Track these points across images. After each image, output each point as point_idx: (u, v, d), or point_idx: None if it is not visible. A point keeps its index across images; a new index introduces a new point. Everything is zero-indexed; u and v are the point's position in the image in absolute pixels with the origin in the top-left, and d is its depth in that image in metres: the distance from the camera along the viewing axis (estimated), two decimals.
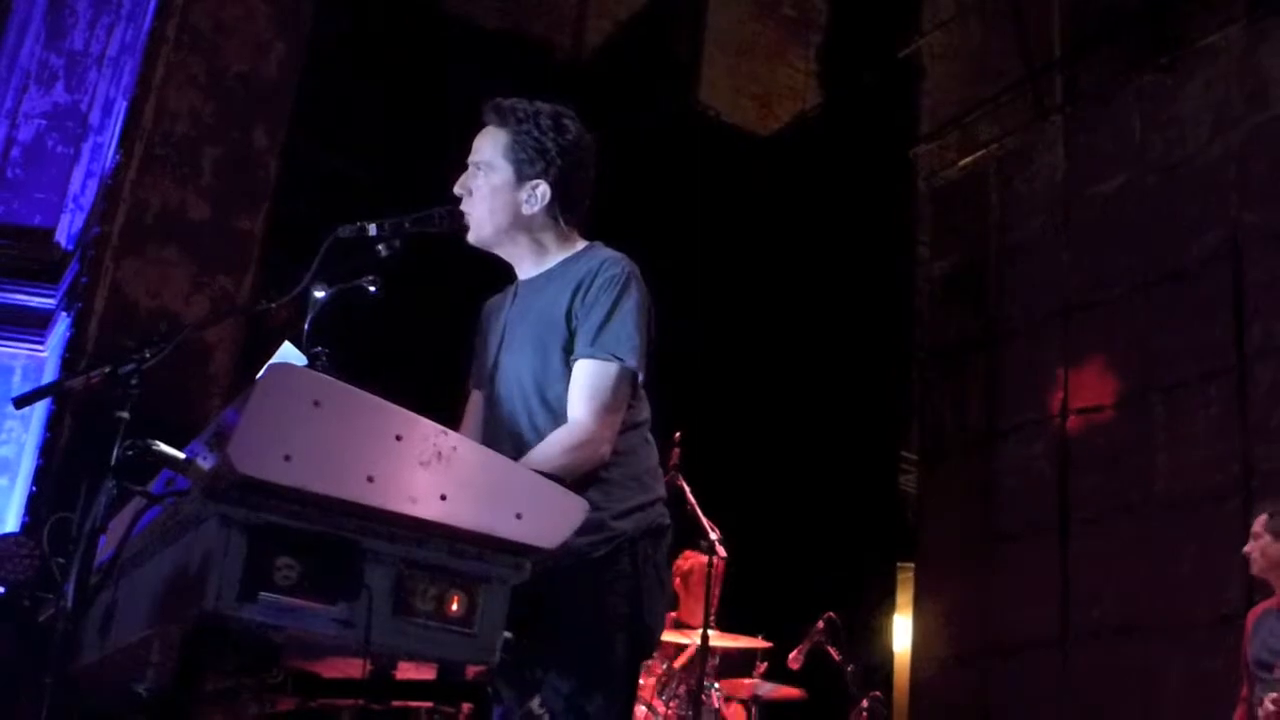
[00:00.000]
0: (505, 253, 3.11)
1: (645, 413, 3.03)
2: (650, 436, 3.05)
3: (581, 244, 3.09)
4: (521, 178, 3.00)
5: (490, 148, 3.03)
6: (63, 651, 2.24)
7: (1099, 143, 8.36)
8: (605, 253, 3.02)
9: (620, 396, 2.85)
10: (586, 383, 2.84)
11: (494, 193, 3.01)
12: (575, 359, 2.87)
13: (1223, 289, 7.26)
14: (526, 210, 3.02)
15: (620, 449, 2.88)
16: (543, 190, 3.01)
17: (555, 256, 3.07)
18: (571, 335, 2.89)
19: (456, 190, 3.04)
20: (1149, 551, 7.31)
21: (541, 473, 2.57)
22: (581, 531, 2.26)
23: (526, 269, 3.11)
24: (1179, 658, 6.95)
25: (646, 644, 2.94)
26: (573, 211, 3.08)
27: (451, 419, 3.10)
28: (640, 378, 2.91)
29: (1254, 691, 5.20)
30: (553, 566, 2.23)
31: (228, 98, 5.96)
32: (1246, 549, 5.34)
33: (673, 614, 6.11)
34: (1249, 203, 7.27)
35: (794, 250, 9.05)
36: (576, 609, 2.70)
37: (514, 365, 2.98)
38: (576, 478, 2.73)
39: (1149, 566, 7.27)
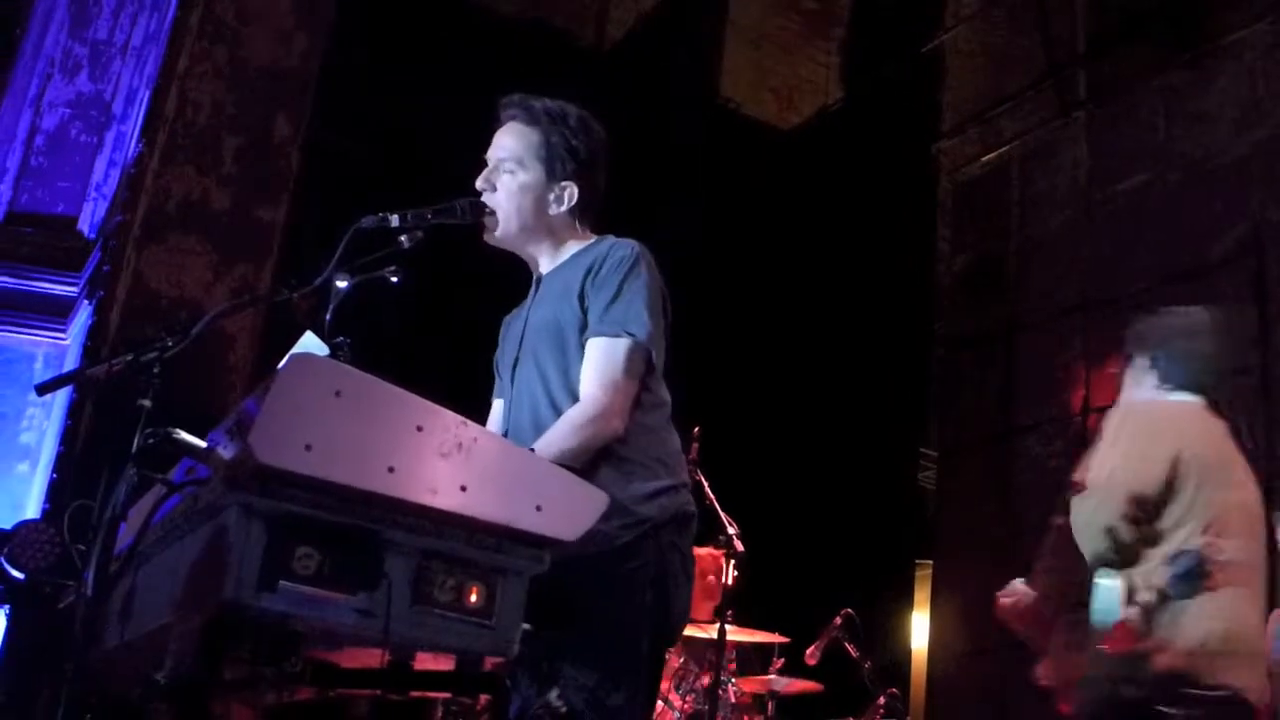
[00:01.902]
0: (523, 250, 3.13)
1: (665, 395, 3.03)
2: (670, 422, 3.05)
3: (594, 237, 3.12)
4: (551, 177, 3.04)
5: (520, 146, 3.04)
6: (83, 638, 2.25)
7: (1122, 139, 8.31)
8: (615, 239, 3.04)
9: (632, 371, 2.86)
10: (596, 359, 2.86)
11: (522, 191, 3.03)
12: (586, 338, 2.88)
13: (1246, 286, 7.21)
14: (553, 210, 3.05)
15: (642, 429, 2.88)
16: (571, 191, 3.05)
17: (570, 250, 3.09)
18: (585, 319, 2.90)
19: (480, 185, 3.06)
20: None
21: (557, 451, 2.60)
22: (604, 516, 2.26)
23: (543, 265, 3.13)
24: None
25: (669, 634, 2.93)
26: (590, 211, 3.12)
27: (472, 410, 3.11)
28: (654, 355, 2.91)
29: (1276, 693, 5.16)
30: (575, 554, 2.23)
31: (250, 88, 5.97)
32: None
33: None
34: (1273, 200, 7.21)
35: (814, 245, 9.03)
36: (598, 599, 2.69)
37: (534, 356, 2.99)
38: (593, 454, 2.75)
39: None
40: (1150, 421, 3.64)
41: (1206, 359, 3.80)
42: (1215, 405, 3.75)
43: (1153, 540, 3.46)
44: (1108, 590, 3.54)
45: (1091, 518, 3.49)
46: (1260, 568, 3.61)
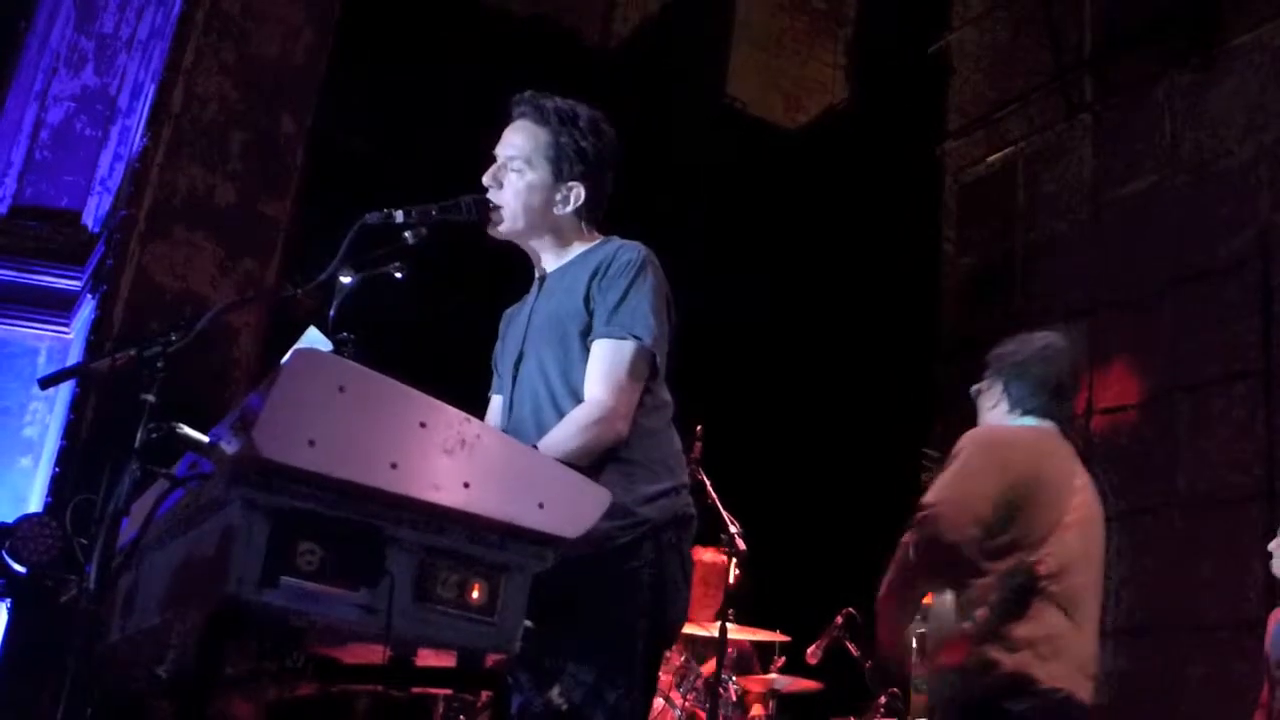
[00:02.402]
0: (528, 248, 3.13)
1: (667, 397, 3.03)
2: (672, 424, 3.05)
3: (600, 238, 3.11)
4: (559, 178, 3.03)
5: (528, 145, 3.04)
6: (85, 632, 2.24)
7: (1128, 141, 8.31)
8: (621, 241, 3.04)
9: (637, 374, 2.86)
10: (602, 361, 2.86)
11: (529, 190, 3.02)
12: (592, 339, 2.89)
13: (1252, 290, 7.21)
14: (558, 210, 3.05)
15: (643, 431, 2.88)
16: (578, 192, 3.04)
17: (575, 250, 3.09)
18: (590, 319, 2.90)
19: (486, 181, 3.05)
20: (1171, 552, 7.27)
21: (561, 452, 2.60)
22: (605, 516, 2.26)
23: (547, 262, 3.13)
24: (1200, 659, 6.92)
25: (668, 635, 2.94)
26: (596, 213, 3.11)
27: (476, 407, 3.11)
28: (659, 359, 2.91)
29: (1274, 694, 5.15)
30: (576, 554, 2.22)
31: (256, 83, 5.97)
32: (1271, 545, 5.29)
33: None
34: None
35: (819, 245, 9.02)
36: (598, 598, 2.69)
37: (537, 354, 2.99)
38: (596, 456, 2.75)
39: (1171, 567, 7.23)
40: (991, 447, 3.79)
41: (1056, 385, 3.92)
42: (1064, 428, 3.91)
43: (991, 557, 3.63)
44: (944, 604, 3.75)
45: (939, 538, 3.66)
46: (1093, 584, 3.80)
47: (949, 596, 3.72)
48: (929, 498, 3.68)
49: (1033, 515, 3.64)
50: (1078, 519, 3.74)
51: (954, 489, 3.68)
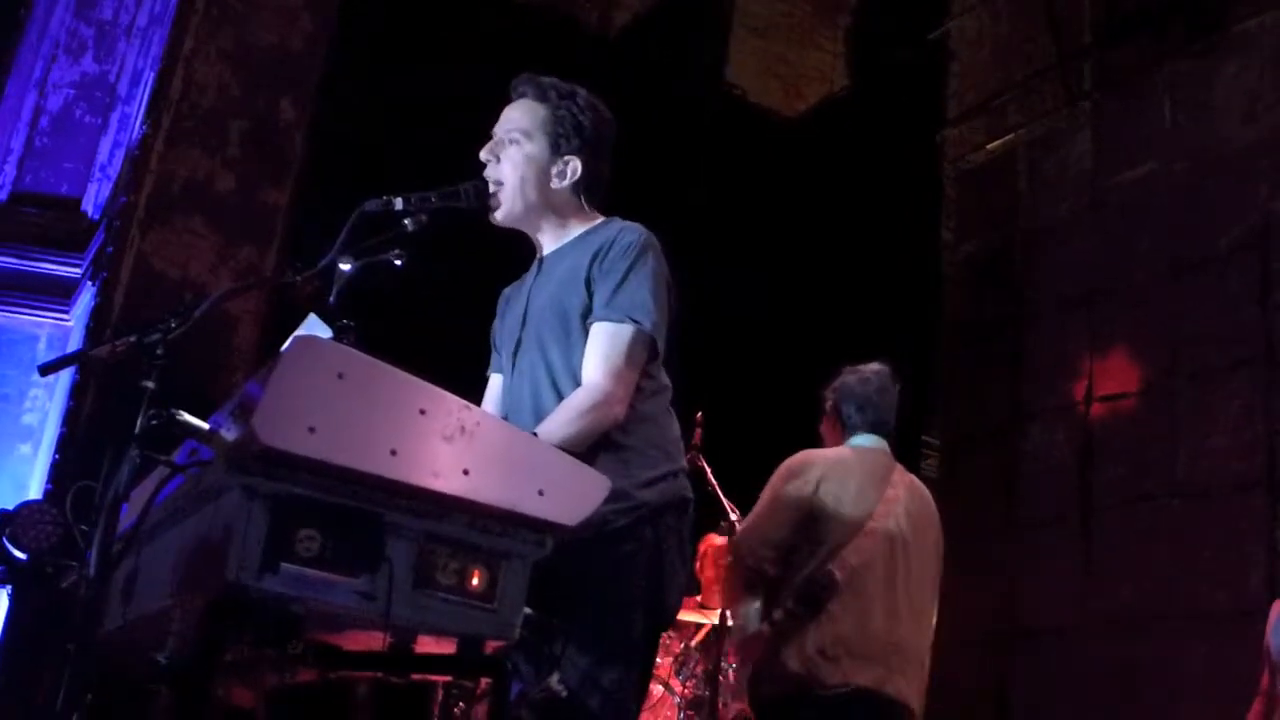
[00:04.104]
0: (529, 228, 3.12)
1: (666, 381, 3.03)
2: (671, 408, 3.05)
3: (600, 219, 3.11)
4: (556, 152, 3.03)
5: (526, 119, 3.04)
6: (85, 619, 2.25)
7: (1128, 128, 8.29)
8: (623, 223, 3.04)
9: (635, 358, 2.86)
10: (600, 344, 2.86)
11: (527, 162, 3.03)
12: (591, 322, 2.88)
13: (1251, 277, 7.20)
14: (556, 184, 3.04)
15: (641, 415, 2.89)
16: (574, 166, 3.04)
17: (575, 230, 3.08)
18: (590, 301, 2.90)
19: (484, 156, 3.05)
20: (1171, 540, 7.26)
21: (558, 437, 2.60)
22: (604, 500, 2.26)
23: (547, 244, 3.12)
24: (1200, 647, 6.92)
25: (665, 619, 2.95)
26: (594, 192, 3.11)
27: (476, 394, 3.11)
28: (659, 344, 2.91)
29: (1274, 683, 5.16)
30: (573, 538, 2.23)
31: (255, 70, 5.96)
32: None
33: (694, 598, 6.08)
34: None
35: (818, 232, 9.01)
36: (596, 582, 2.70)
37: (537, 336, 2.99)
38: (594, 439, 2.75)
39: (1171, 555, 7.23)
40: (785, 471, 4.23)
41: (878, 405, 4.46)
42: (891, 445, 4.43)
43: (791, 567, 4.06)
44: (751, 608, 4.19)
45: (738, 561, 4.18)
46: (910, 584, 4.23)
47: (758, 601, 4.13)
48: (747, 520, 4.21)
49: (824, 526, 4.06)
50: (883, 526, 4.14)
51: (752, 516, 4.20)
